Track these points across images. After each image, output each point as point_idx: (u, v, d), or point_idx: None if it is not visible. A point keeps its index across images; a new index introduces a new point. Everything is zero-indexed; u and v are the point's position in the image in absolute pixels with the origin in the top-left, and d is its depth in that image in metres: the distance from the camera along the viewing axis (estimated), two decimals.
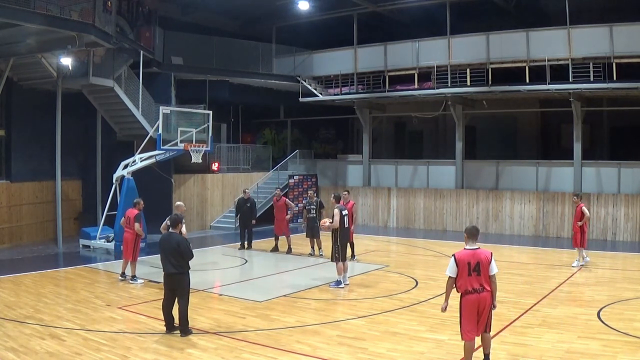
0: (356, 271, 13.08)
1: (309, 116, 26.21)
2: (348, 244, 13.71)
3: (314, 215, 14.86)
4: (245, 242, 16.37)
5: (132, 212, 12.05)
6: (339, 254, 11.31)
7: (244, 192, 16.79)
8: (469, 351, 6.58)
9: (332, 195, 12.20)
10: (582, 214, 13.20)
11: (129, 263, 11.86)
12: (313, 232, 14.99)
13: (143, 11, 18.37)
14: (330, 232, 11.49)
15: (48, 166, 17.01)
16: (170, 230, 8.50)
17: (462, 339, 6.58)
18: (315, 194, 14.92)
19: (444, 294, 6.73)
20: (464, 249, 6.62)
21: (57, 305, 9.89)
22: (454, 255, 6.59)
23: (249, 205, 16.29)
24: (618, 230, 17.91)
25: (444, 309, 6.69)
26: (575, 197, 13.93)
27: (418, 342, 7.91)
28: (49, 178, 17.28)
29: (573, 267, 13.33)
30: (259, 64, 22.77)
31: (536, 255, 15.06)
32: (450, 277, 6.55)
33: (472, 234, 6.66)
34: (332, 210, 11.73)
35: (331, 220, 11.30)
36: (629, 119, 19.87)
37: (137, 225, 11.80)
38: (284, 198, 16.60)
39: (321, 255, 14.86)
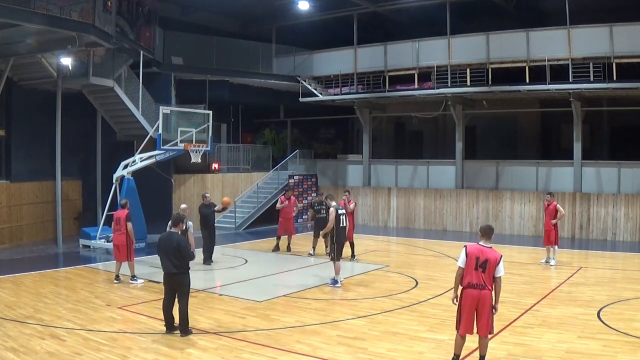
0: (356, 271, 13.09)
1: (309, 116, 26.20)
2: (347, 244, 13.82)
3: (324, 215, 14.93)
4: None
5: (123, 212, 11.99)
6: (335, 253, 11.37)
7: (204, 197, 14.32)
8: (459, 345, 6.72)
9: (325, 197, 12.83)
10: (557, 212, 13.63)
11: (128, 263, 11.82)
12: (321, 231, 15.05)
13: (143, 11, 18.36)
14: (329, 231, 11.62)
15: (48, 166, 17.00)
16: (171, 229, 8.50)
17: (456, 329, 6.71)
18: (324, 195, 14.86)
19: (448, 292, 6.80)
20: (477, 244, 6.76)
21: (57, 305, 9.89)
22: (465, 246, 6.77)
23: (211, 211, 14.16)
24: (618, 230, 17.91)
25: (454, 300, 6.81)
26: (548, 196, 14.10)
27: (418, 342, 7.91)
28: (49, 178, 17.27)
29: (551, 265, 13.51)
30: (259, 64, 22.77)
31: (536, 255, 15.05)
32: (460, 267, 6.70)
33: (486, 232, 6.81)
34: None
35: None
36: (629, 119, 19.86)
37: (129, 225, 11.75)
38: (294, 198, 16.68)
39: (327, 253, 14.89)
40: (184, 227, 8.95)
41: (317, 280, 12.03)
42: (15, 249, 16.05)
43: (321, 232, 11.82)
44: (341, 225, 11.53)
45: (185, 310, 8.17)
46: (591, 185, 18.73)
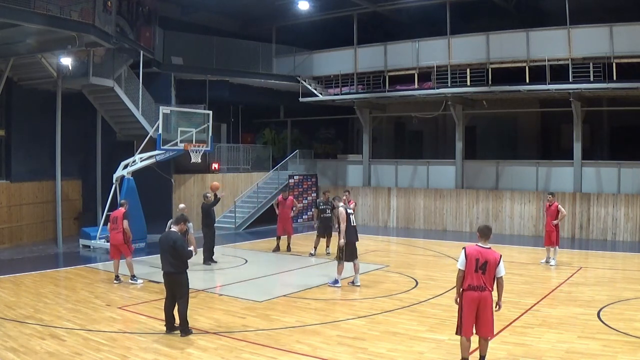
0: None
1: (309, 116, 26.20)
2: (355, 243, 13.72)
3: (329, 215, 14.96)
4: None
5: (120, 211, 11.98)
6: (343, 253, 11.33)
7: (205, 197, 14.24)
8: (465, 348, 6.65)
9: (333, 198, 12.74)
10: (558, 212, 13.62)
11: (126, 262, 11.80)
12: (325, 231, 15.06)
13: (143, 11, 18.35)
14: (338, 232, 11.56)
15: (48, 166, 17.01)
16: (172, 228, 8.49)
17: (459, 334, 6.66)
18: (332, 196, 14.89)
19: (447, 292, 6.77)
20: (476, 245, 6.71)
21: (57, 305, 9.89)
22: (464, 248, 6.71)
23: (213, 210, 14.23)
24: (618, 230, 17.90)
25: (457, 300, 6.77)
26: (550, 196, 14.07)
27: (418, 342, 7.91)
28: (49, 178, 17.28)
29: (551, 265, 13.52)
30: (259, 64, 22.77)
31: (536, 255, 15.05)
32: (460, 269, 6.64)
33: (484, 233, 6.76)
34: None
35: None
36: (629, 119, 19.86)
37: (125, 222, 11.71)
38: (291, 197, 16.68)
39: (328, 253, 14.89)
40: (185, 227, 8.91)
41: (318, 280, 12.03)
42: (15, 249, 16.05)
43: (339, 240, 11.54)
44: (351, 224, 11.48)
45: (185, 310, 8.16)
46: (591, 185, 18.73)
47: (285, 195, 16.41)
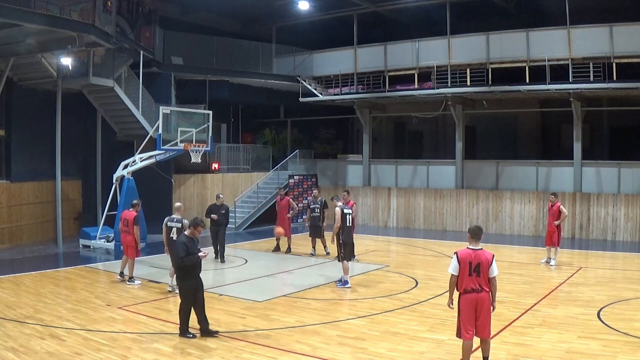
0: (356, 271, 13.07)
1: (309, 116, 26.20)
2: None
3: (318, 214, 14.89)
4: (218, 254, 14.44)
5: (131, 214, 11.93)
6: (343, 253, 11.32)
7: (218, 197, 14.56)
8: (467, 350, 6.61)
9: (332, 197, 12.76)
10: (560, 213, 13.60)
11: (128, 262, 11.81)
12: (315, 231, 14.98)
13: (143, 11, 18.38)
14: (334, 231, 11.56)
15: (48, 166, 17.02)
16: (184, 231, 8.52)
17: (460, 337, 6.62)
18: (319, 193, 14.81)
19: (447, 292, 6.78)
20: (467, 248, 6.65)
21: (57, 305, 9.90)
22: (456, 253, 6.64)
23: (223, 212, 14.27)
24: (618, 230, 17.91)
25: (450, 304, 6.75)
26: (552, 197, 14.07)
27: (418, 342, 7.91)
28: (49, 178, 17.28)
29: (551, 265, 13.52)
30: (259, 64, 22.77)
31: (536, 255, 15.06)
32: (452, 274, 6.58)
33: (475, 234, 6.69)
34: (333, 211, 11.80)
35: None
36: (629, 119, 19.86)
37: (136, 229, 11.71)
38: (287, 198, 16.59)
39: (327, 253, 14.86)
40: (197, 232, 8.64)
41: (317, 280, 12.04)
42: (15, 249, 16.06)
43: (332, 236, 11.70)
44: (347, 225, 11.46)
45: (182, 313, 8.16)
46: (591, 185, 18.73)
47: (281, 196, 16.37)
